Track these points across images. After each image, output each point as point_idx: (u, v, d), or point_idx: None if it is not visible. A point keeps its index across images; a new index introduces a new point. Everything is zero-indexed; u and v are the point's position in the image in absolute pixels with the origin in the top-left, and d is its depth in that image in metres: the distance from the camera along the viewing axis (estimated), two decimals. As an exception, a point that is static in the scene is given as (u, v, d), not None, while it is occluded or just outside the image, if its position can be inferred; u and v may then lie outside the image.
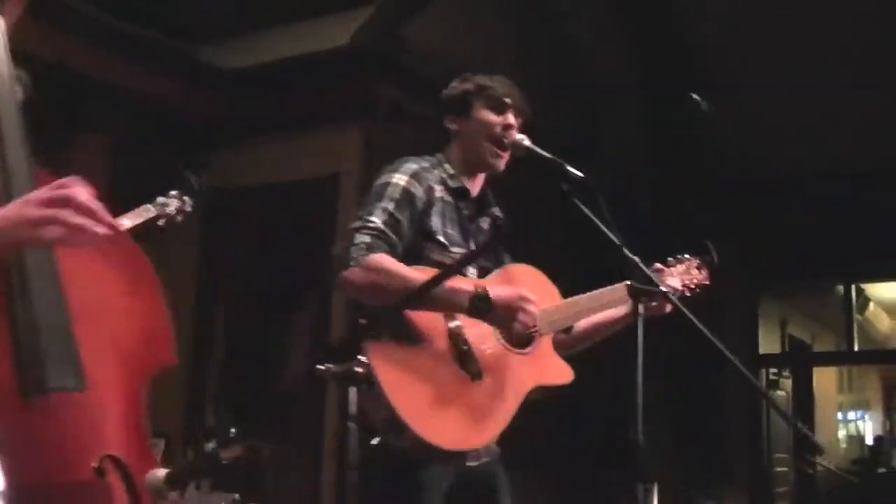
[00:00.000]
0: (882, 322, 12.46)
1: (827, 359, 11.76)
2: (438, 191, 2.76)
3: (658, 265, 3.01)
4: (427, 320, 2.55)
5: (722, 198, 8.52)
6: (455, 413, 2.50)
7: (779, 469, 9.67)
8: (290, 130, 6.75)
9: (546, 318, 2.72)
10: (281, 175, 6.64)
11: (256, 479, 4.91)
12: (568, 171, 2.64)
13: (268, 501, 5.65)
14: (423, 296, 2.49)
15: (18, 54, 1.97)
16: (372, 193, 2.69)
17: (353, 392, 1.88)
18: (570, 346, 2.94)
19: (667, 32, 7.81)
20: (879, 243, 8.18)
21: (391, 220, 2.61)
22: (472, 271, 2.78)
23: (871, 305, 11.59)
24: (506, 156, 2.82)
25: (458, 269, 2.47)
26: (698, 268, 3.17)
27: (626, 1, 7.94)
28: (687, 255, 3.18)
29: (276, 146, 6.78)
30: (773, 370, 9.98)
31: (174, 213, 3.77)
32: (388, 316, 2.45)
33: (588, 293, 2.85)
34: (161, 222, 3.74)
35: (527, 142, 2.77)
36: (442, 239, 2.71)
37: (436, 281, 2.27)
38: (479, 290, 2.54)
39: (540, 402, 2.73)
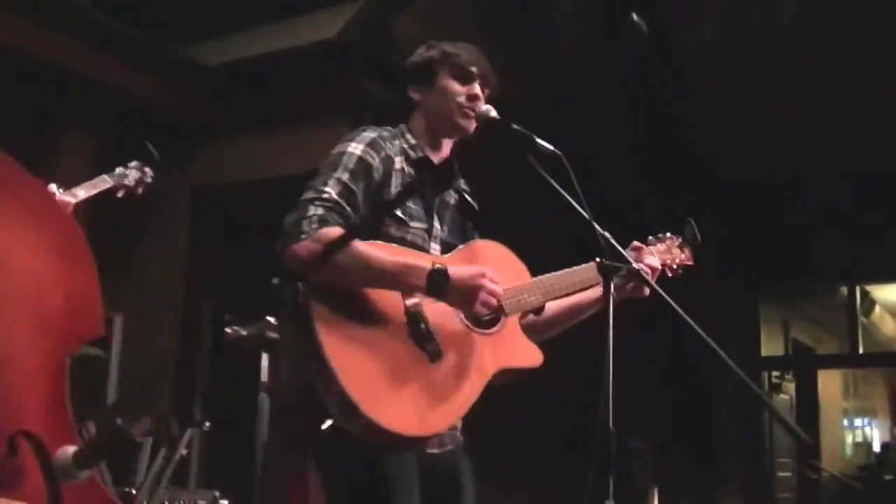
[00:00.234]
0: (888, 325, 12.24)
1: (831, 361, 11.56)
2: (398, 162, 2.62)
3: (636, 243, 2.85)
4: (383, 296, 2.40)
5: (721, 199, 8.36)
6: (411, 396, 2.33)
7: (781, 474, 9.50)
8: (277, 126, 6.66)
9: (513, 297, 2.57)
10: (268, 171, 6.55)
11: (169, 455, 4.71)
12: (537, 143, 2.50)
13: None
14: (377, 273, 2.36)
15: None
16: (326, 163, 2.54)
17: (265, 359, 1.73)
18: (543, 331, 2.78)
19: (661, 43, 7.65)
20: (884, 244, 8.05)
21: (346, 191, 2.47)
22: (435, 248, 2.63)
23: (877, 308, 11.38)
24: (473, 119, 2.67)
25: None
26: (680, 247, 3.00)
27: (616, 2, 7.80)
28: (668, 234, 3.02)
29: (262, 142, 6.70)
30: (775, 373, 9.81)
31: (133, 184, 3.62)
32: (338, 290, 2.31)
33: (558, 272, 2.70)
34: (120, 194, 3.59)
35: (493, 113, 2.63)
36: (400, 213, 2.55)
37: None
38: (436, 267, 2.39)
39: (508, 387, 2.58)
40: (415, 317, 2.40)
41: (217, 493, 4.68)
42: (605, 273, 2.34)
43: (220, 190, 6.83)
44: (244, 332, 1.69)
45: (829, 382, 11.83)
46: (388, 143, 2.62)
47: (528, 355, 2.59)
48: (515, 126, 2.55)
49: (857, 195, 8.06)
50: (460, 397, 2.42)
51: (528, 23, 7.82)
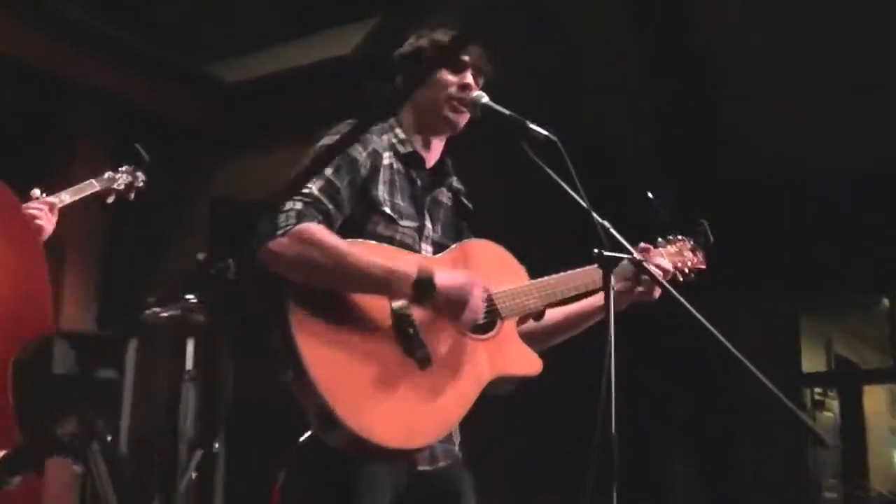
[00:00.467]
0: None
1: (876, 376, 11.18)
2: (386, 157, 2.45)
3: (643, 244, 2.65)
4: (367, 297, 2.23)
5: (756, 209, 8.11)
6: (397, 405, 2.15)
7: (828, 495, 9.15)
8: (295, 142, 6.53)
9: (509, 299, 2.39)
10: (285, 187, 6.41)
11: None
12: (530, 129, 2.32)
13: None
14: (358, 277, 2.19)
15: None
16: (308, 158, 2.38)
17: (190, 344, 1.55)
18: (544, 339, 2.59)
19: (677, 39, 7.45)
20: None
21: (328, 187, 2.30)
22: (426, 248, 2.46)
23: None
24: (465, 113, 2.50)
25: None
26: (692, 250, 2.79)
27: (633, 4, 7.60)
28: (680, 236, 2.81)
29: (280, 157, 6.59)
30: (817, 390, 9.49)
31: (124, 188, 3.48)
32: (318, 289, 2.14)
33: (559, 274, 2.51)
34: (110, 199, 3.45)
35: (484, 99, 2.45)
36: (388, 210, 2.38)
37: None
38: (422, 272, 2.21)
39: (504, 397, 2.40)
40: (402, 319, 2.23)
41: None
42: (604, 264, 2.15)
43: (239, 204, 6.75)
44: (164, 314, 1.52)
45: (875, 398, 11.44)
46: (375, 138, 2.45)
47: (526, 362, 2.39)
48: (507, 112, 2.38)
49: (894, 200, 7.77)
50: (451, 408, 2.23)
51: (543, 25, 7.62)
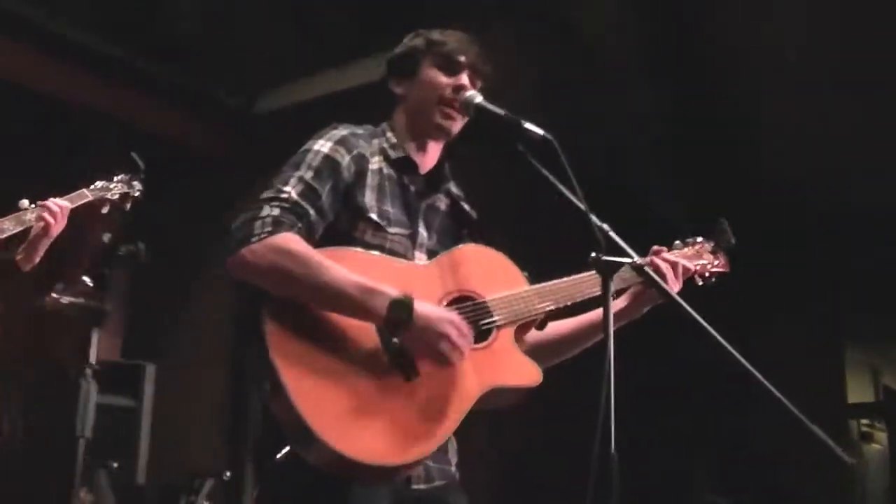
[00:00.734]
0: None
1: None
2: (375, 162, 2.32)
3: (656, 247, 2.49)
4: None
5: (799, 235, 7.89)
6: (380, 420, 2.00)
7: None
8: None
9: (505, 306, 2.24)
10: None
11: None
12: (526, 129, 2.19)
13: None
14: (330, 293, 2.05)
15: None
16: (290, 161, 2.26)
17: (95, 335, 1.43)
18: (553, 352, 2.44)
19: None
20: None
21: (308, 192, 2.17)
22: (420, 256, 2.32)
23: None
24: (459, 117, 2.37)
25: None
26: (713, 252, 2.61)
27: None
28: (699, 238, 2.63)
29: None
30: (864, 422, 9.17)
31: (118, 198, 3.39)
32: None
33: (561, 279, 2.35)
34: (105, 209, 3.36)
35: (478, 99, 2.32)
36: (375, 217, 2.25)
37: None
38: (398, 298, 2.05)
39: (504, 410, 2.25)
40: (387, 329, 2.09)
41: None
42: (602, 270, 2.00)
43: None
44: (64, 301, 1.41)
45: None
46: (362, 141, 2.33)
47: (523, 373, 2.22)
48: (502, 112, 2.26)
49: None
50: (440, 422, 2.08)
51: (569, 48, 7.49)
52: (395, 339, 2.07)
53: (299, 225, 2.12)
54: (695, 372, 6.81)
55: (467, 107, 2.32)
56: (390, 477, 2.07)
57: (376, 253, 2.21)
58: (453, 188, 2.51)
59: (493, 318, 2.22)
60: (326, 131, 2.32)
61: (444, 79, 2.37)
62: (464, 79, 2.37)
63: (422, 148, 2.42)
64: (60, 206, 3.11)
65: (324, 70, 6.76)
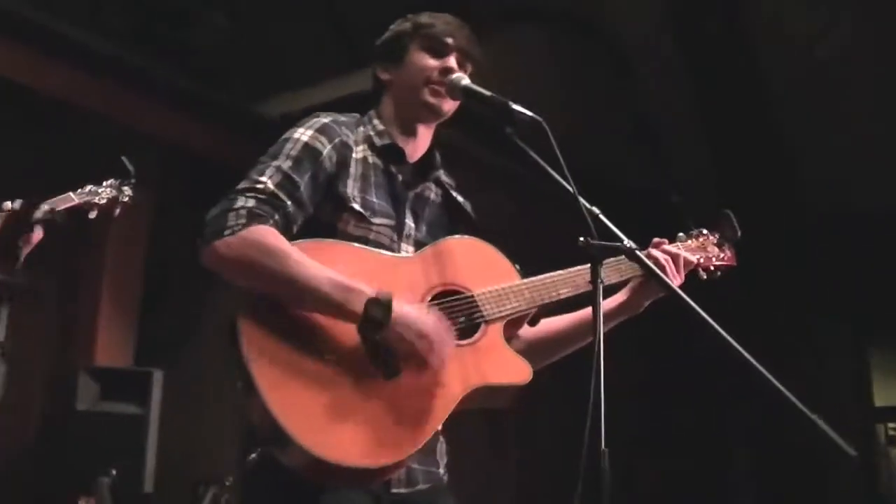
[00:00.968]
0: None
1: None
2: (360, 150, 2.22)
3: (657, 239, 2.37)
4: None
5: (825, 237, 7.73)
6: (358, 421, 1.89)
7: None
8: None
9: (494, 300, 2.13)
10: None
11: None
12: (515, 110, 2.08)
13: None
14: (304, 290, 1.94)
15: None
16: (269, 151, 2.16)
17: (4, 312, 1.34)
18: (546, 350, 2.32)
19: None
20: None
21: (286, 182, 2.07)
22: (407, 248, 2.21)
23: None
24: (447, 98, 2.26)
25: None
26: (718, 245, 2.49)
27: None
28: (704, 230, 2.51)
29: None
30: (892, 425, 8.97)
31: (106, 203, 3.30)
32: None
33: (554, 272, 2.23)
34: (93, 214, 3.28)
35: (465, 81, 2.22)
36: (358, 207, 2.14)
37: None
38: (380, 296, 1.94)
39: (497, 411, 2.14)
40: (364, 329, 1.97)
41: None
42: (593, 255, 1.89)
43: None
44: None
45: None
46: (345, 129, 2.24)
47: (511, 370, 2.10)
48: (490, 93, 2.15)
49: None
50: (421, 423, 1.96)
51: (603, 56, 7.40)
52: (377, 336, 1.95)
53: (275, 217, 2.02)
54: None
55: (454, 89, 2.22)
56: (368, 480, 1.96)
57: (359, 245, 2.11)
58: (444, 177, 2.40)
59: (481, 313, 2.11)
60: (308, 119, 2.23)
61: (431, 61, 2.27)
62: (451, 61, 2.27)
63: (410, 134, 2.32)
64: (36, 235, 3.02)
65: (338, 77, 6.71)
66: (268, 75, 6.73)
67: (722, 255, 2.50)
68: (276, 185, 2.05)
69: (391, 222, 2.19)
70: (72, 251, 6.05)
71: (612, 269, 2.23)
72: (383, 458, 1.90)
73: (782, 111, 7.21)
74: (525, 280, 2.20)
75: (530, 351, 2.21)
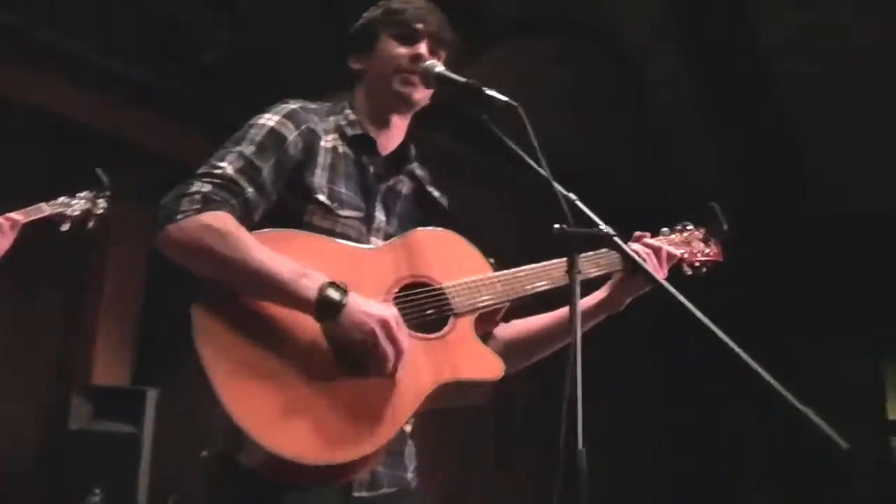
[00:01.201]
0: None
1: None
2: (329, 140, 2.13)
3: (638, 233, 2.28)
4: None
5: (840, 246, 7.61)
6: (318, 416, 1.79)
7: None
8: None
9: (464, 293, 2.03)
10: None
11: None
12: (489, 95, 1.99)
13: None
14: (258, 276, 1.84)
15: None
16: (232, 137, 2.07)
17: None
18: (523, 351, 2.23)
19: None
20: None
21: (247, 168, 1.98)
22: (376, 241, 2.11)
23: None
24: (420, 85, 2.17)
25: None
26: (704, 240, 2.39)
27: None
28: (689, 225, 2.42)
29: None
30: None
31: (80, 214, 3.24)
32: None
33: (528, 265, 2.13)
34: (65, 226, 3.22)
35: (438, 68, 2.13)
36: (324, 199, 2.05)
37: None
38: (337, 283, 1.84)
39: (469, 408, 2.04)
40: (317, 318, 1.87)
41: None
42: (568, 243, 1.78)
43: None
44: None
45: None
46: (314, 116, 2.15)
47: (482, 365, 1.99)
48: (463, 79, 2.06)
49: None
50: (386, 419, 1.85)
51: (612, 66, 7.33)
52: (333, 327, 1.85)
53: (232, 203, 1.93)
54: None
55: (427, 77, 2.13)
56: (330, 479, 1.85)
57: (324, 236, 2.01)
58: (418, 170, 2.31)
59: (450, 306, 2.01)
60: (275, 105, 2.14)
61: (401, 49, 2.19)
62: (422, 48, 2.19)
63: (383, 125, 2.23)
64: (12, 218, 2.98)
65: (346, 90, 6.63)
66: (272, 89, 6.65)
67: (708, 251, 2.41)
68: (237, 171, 1.97)
69: (359, 214, 2.11)
70: (72, 271, 5.99)
71: (591, 263, 2.14)
72: (340, 455, 1.79)
73: (782, 111, 7.14)
74: (497, 273, 2.11)
75: (508, 352, 2.12)
